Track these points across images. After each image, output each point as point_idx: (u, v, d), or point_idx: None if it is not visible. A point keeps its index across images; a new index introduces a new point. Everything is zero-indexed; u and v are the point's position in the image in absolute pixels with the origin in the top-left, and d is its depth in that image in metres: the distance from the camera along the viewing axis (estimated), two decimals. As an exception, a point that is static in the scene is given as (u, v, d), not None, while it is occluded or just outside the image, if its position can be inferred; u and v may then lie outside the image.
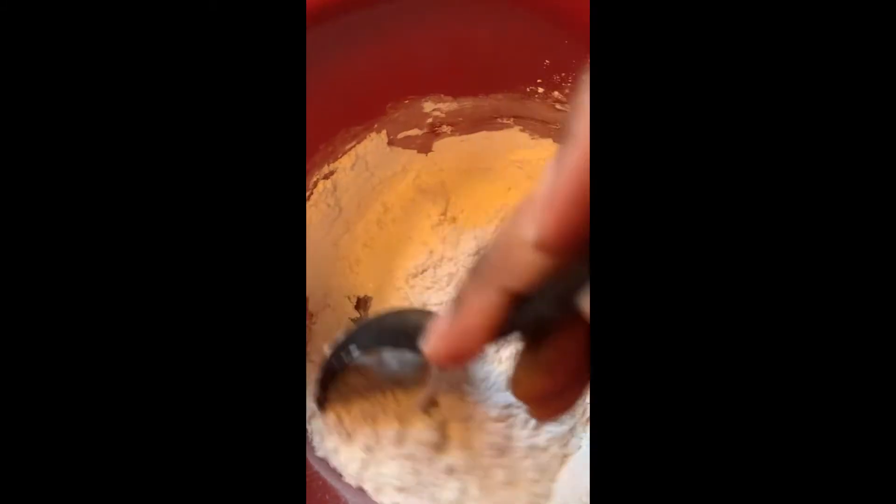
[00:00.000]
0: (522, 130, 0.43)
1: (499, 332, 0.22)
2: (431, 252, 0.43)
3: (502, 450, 0.38)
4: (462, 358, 0.23)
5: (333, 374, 0.38)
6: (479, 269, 0.22)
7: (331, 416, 0.38)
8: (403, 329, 0.35)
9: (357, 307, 0.43)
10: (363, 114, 0.40)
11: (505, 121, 0.42)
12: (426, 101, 0.40)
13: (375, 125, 0.41)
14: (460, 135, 0.43)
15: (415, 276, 0.43)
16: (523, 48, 0.37)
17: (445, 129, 0.43)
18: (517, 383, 0.24)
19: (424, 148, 0.44)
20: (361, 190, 0.43)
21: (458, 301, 0.22)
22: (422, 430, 0.38)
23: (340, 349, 0.37)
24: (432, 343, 0.23)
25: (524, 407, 0.25)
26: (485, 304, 0.22)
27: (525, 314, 0.22)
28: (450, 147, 0.44)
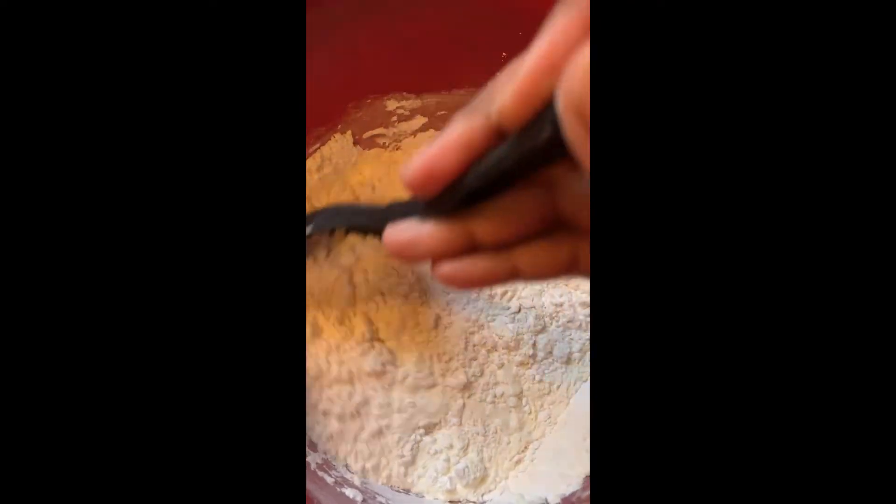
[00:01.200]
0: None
1: (474, 162, 0.22)
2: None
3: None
4: (435, 176, 0.22)
5: None
6: (471, 104, 0.22)
7: None
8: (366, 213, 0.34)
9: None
10: (325, 115, 0.39)
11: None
12: (389, 99, 0.40)
13: (339, 126, 0.41)
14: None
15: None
16: (479, 42, 0.37)
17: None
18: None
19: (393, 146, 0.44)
20: (330, 192, 0.43)
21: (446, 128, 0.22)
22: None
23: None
24: (411, 163, 0.23)
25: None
26: (467, 127, 0.22)
27: (492, 157, 0.22)
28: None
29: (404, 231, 0.25)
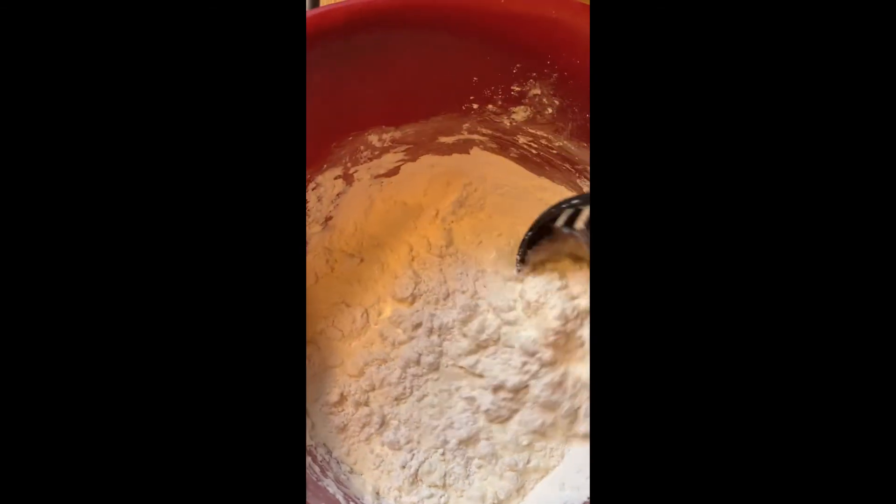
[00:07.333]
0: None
1: None
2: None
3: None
4: None
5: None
6: None
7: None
8: None
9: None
10: (310, 157, 0.41)
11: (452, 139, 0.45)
12: (370, 134, 0.42)
13: (325, 165, 0.42)
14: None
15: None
16: (451, 70, 0.38)
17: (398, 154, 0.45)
18: None
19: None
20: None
21: None
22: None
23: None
24: None
25: None
26: None
27: None
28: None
29: None
